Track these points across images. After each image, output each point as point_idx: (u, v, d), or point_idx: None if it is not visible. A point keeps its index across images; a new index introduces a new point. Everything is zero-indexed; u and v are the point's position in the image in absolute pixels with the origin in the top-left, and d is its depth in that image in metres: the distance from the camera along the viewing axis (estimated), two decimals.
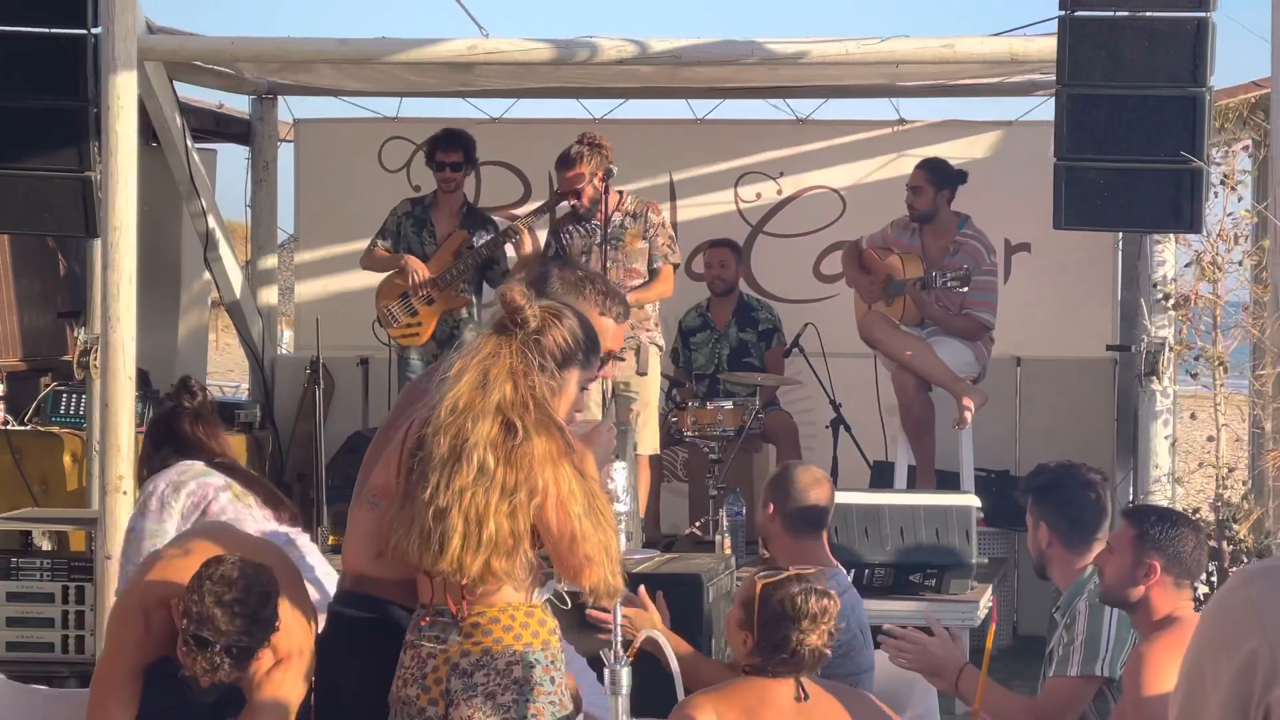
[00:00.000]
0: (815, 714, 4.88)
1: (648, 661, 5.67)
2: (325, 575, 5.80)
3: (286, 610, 4.91)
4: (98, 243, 8.64)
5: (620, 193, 10.05)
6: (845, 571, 6.48)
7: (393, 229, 10.48)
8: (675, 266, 10.18)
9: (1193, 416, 10.89)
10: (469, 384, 4.42)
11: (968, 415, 9.93)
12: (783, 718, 4.85)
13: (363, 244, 11.07)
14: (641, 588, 6.12)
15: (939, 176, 10.33)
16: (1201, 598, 9.24)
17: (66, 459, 10.21)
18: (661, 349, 10.17)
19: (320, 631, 5.08)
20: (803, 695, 4.88)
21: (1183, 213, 7.55)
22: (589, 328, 4.63)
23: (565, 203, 10.06)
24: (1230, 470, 9.91)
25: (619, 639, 5.36)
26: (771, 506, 6.32)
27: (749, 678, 4.96)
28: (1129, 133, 7.51)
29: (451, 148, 10.43)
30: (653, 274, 10.05)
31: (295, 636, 4.93)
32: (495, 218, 10.95)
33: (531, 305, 4.49)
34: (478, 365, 4.45)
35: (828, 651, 4.92)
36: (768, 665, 4.88)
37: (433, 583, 4.50)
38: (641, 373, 9.89)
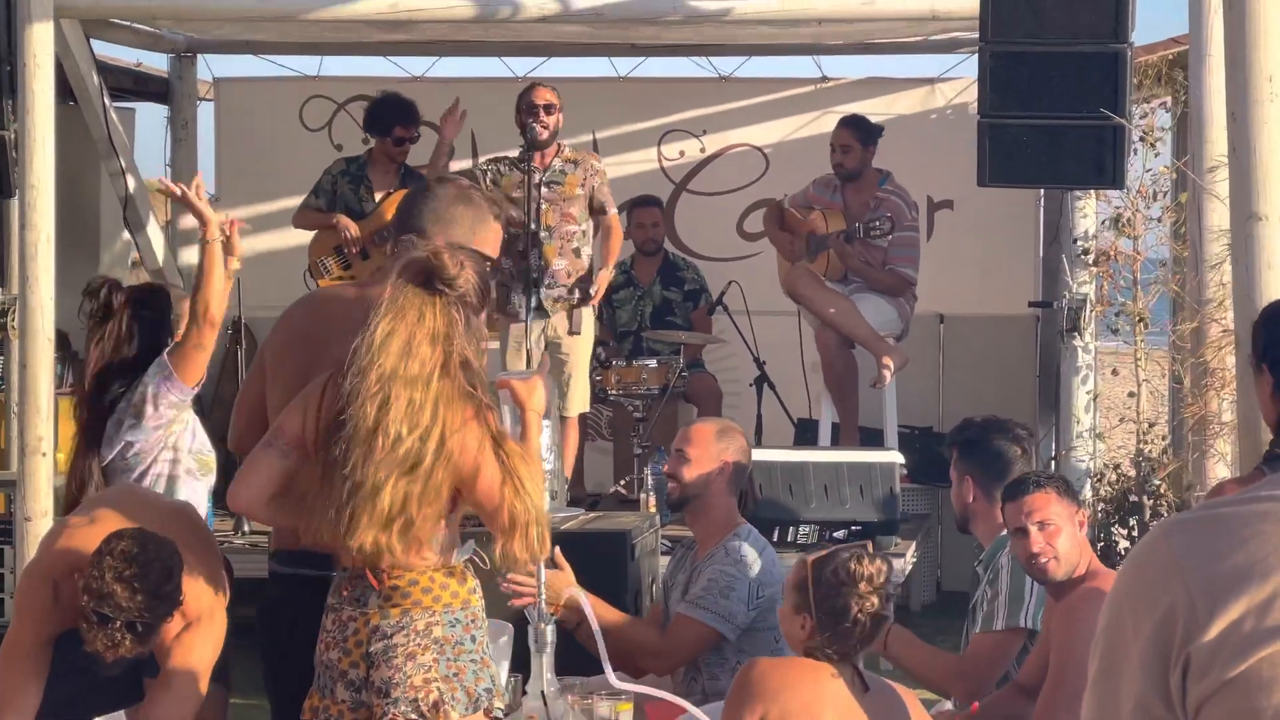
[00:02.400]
0: (877, 703, 4.84)
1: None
2: None
3: (195, 574, 4.87)
4: (14, 203, 8.55)
5: (558, 143, 10.05)
6: (755, 528, 6.48)
7: (327, 188, 10.43)
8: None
9: (1114, 372, 10.97)
10: (395, 352, 4.39)
11: (886, 374, 9.97)
12: (846, 710, 4.78)
13: (285, 203, 10.98)
14: (557, 549, 6.11)
15: (865, 134, 10.35)
16: (1123, 551, 9.32)
17: None
18: (594, 309, 10.16)
19: (265, 593, 5.07)
20: (864, 686, 4.83)
21: (1105, 169, 7.57)
22: (483, 270, 4.65)
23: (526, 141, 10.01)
24: (1151, 425, 9.99)
25: (543, 597, 5.37)
26: (728, 463, 6.29)
27: (809, 660, 4.87)
28: (1052, 89, 7.51)
29: (413, 122, 10.40)
30: (596, 220, 10.03)
31: (204, 600, 4.90)
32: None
33: (462, 269, 4.46)
34: (405, 330, 4.41)
35: (887, 614, 4.88)
36: (833, 640, 4.81)
37: (350, 552, 4.49)
38: (574, 332, 9.88)
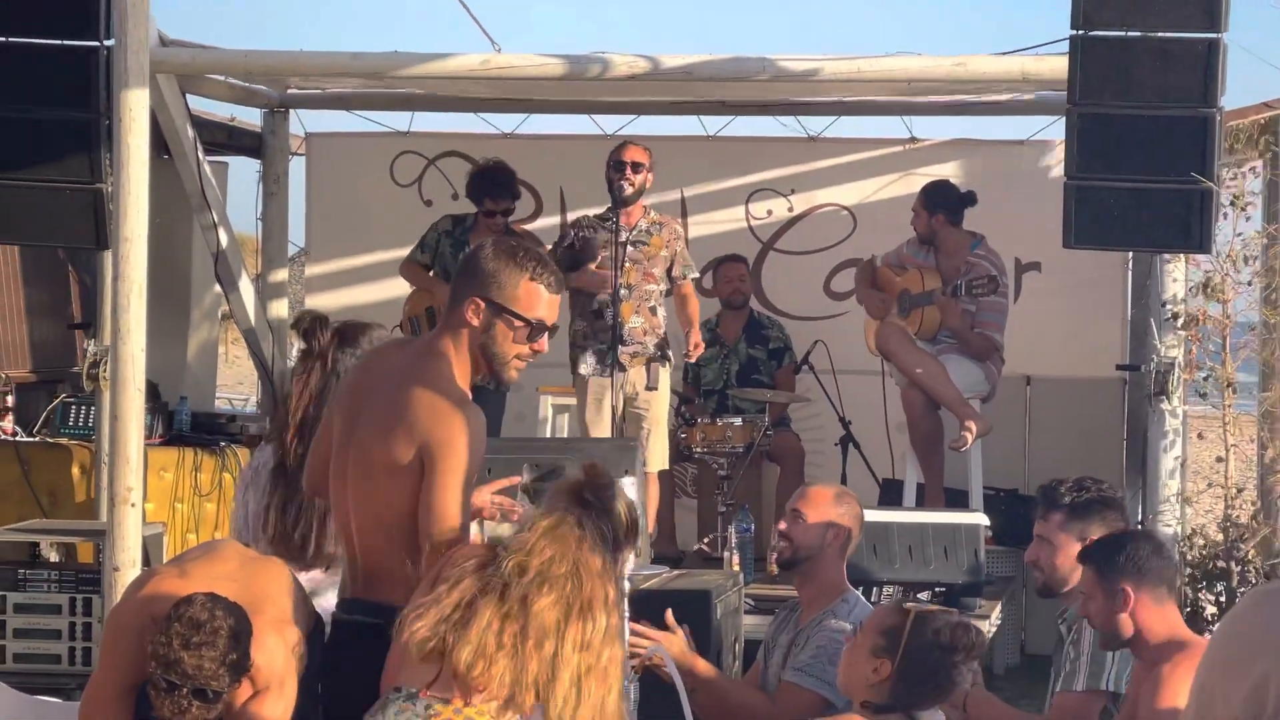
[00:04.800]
0: None
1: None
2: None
3: (269, 640, 4.86)
4: (108, 255, 8.64)
5: (645, 207, 10.15)
6: (862, 596, 6.45)
7: (432, 244, 10.56)
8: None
9: (1200, 436, 10.88)
10: (559, 553, 4.38)
11: (967, 436, 9.91)
12: None
13: (374, 257, 11.08)
14: (668, 612, 6.12)
15: (930, 200, 10.37)
16: (1209, 617, 9.24)
17: (75, 470, 10.21)
18: (671, 363, 10.20)
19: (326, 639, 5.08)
20: None
21: (1192, 233, 7.54)
22: (634, 512, 4.60)
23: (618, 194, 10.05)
24: (1239, 490, 9.90)
25: (625, 654, 5.36)
26: (842, 528, 6.26)
27: (859, 715, 4.83)
28: (1139, 152, 7.50)
29: (502, 196, 10.49)
30: (674, 285, 10.09)
31: (275, 667, 4.87)
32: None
33: (612, 486, 4.49)
34: (565, 537, 4.40)
35: (969, 686, 4.85)
36: (907, 695, 4.76)
37: (438, 675, 4.42)
38: (651, 388, 9.93)
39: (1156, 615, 5.47)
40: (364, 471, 4.86)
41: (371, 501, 4.85)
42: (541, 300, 4.89)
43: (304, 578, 5.48)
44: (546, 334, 4.93)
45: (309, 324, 5.79)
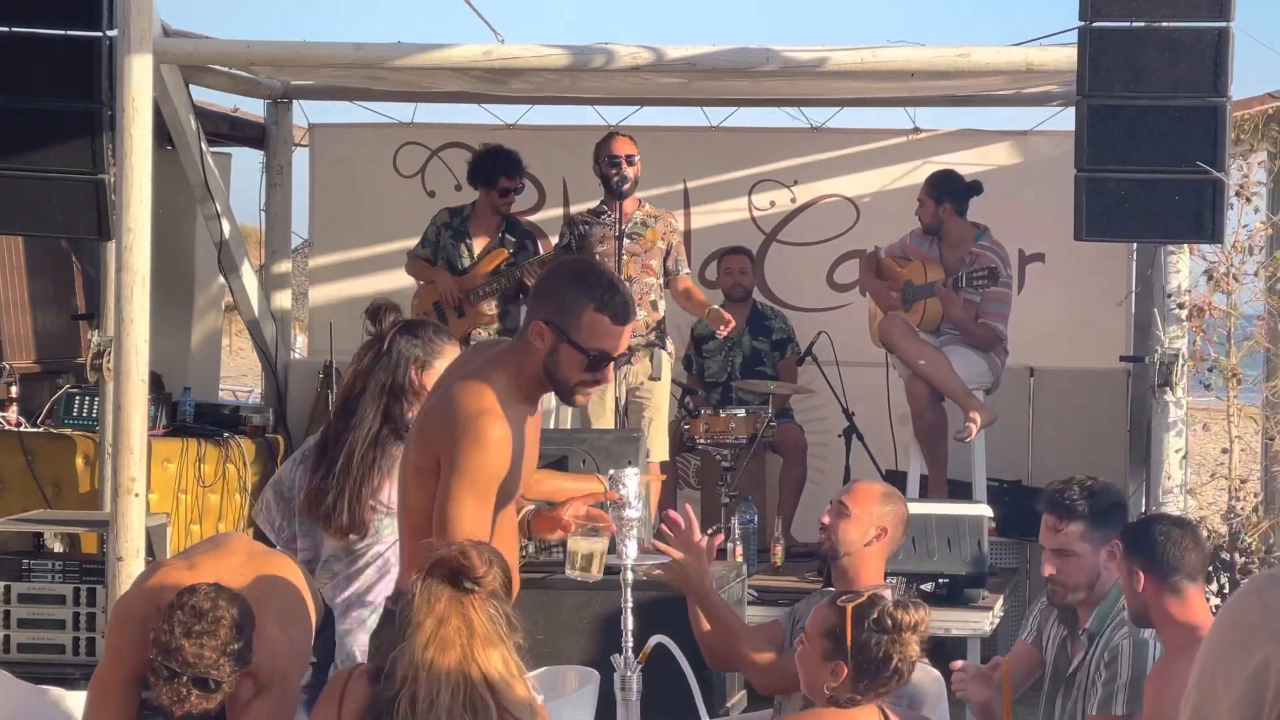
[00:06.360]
0: None
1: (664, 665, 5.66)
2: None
3: (273, 636, 4.86)
4: (112, 245, 8.65)
5: (639, 199, 10.13)
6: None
7: (432, 238, 10.55)
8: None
9: (1205, 428, 10.87)
10: (455, 660, 4.11)
11: (971, 428, 9.89)
12: None
13: (378, 249, 11.05)
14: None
15: (937, 189, 10.33)
16: (1214, 608, 9.23)
17: (79, 461, 10.22)
18: (671, 355, 10.20)
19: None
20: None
21: (1204, 223, 7.53)
22: (504, 565, 4.31)
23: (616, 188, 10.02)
24: (1242, 482, 9.90)
25: (629, 644, 5.35)
26: (885, 530, 6.20)
27: (830, 709, 4.82)
28: (1149, 143, 7.49)
29: (517, 173, 10.50)
30: (671, 279, 10.09)
31: (278, 664, 4.87)
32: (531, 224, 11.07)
33: (490, 568, 4.20)
34: (452, 643, 4.11)
35: (923, 659, 4.84)
36: (870, 689, 4.75)
37: None
38: (654, 377, 9.93)
39: (1175, 600, 5.45)
40: (401, 471, 4.96)
41: (404, 500, 4.90)
42: (606, 331, 4.81)
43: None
44: (611, 364, 4.87)
45: (376, 308, 5.95)
